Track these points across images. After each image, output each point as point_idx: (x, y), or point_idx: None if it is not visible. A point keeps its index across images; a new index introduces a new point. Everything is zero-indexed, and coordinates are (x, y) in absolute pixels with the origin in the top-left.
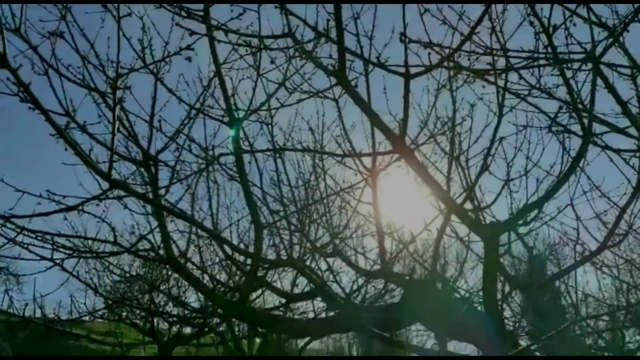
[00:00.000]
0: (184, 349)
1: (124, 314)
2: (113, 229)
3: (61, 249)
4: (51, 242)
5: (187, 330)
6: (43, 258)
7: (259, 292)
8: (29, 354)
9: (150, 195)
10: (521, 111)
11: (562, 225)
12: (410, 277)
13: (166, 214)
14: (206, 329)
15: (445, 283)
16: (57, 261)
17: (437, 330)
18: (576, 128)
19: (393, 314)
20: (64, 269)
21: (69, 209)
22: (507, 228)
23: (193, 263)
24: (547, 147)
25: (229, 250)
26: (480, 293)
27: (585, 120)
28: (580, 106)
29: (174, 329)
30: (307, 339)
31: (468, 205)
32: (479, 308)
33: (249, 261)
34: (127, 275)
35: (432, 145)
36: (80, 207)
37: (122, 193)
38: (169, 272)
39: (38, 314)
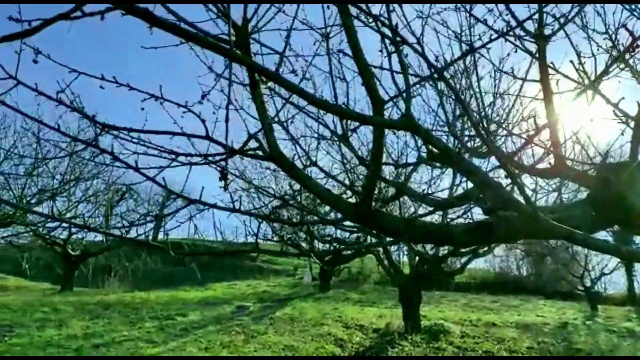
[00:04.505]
0: (345, 268)
1: (287, 236)
2: (203, 121)
3: (165, 155)
4: (130, 140)
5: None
6: (135, 169)
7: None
8: (212, 269)
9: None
10: None
11: None
12: (602, 165)
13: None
14: (363, 250)
15: None
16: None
17: None
18: None
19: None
20: (155, 183)
21: (62, 16)
22: None
23: (319, 167)
24: None
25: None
26: None
27: None
28: None
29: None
30: (467, 257)
31: None
32: None
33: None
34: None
35: None
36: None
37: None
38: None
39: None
